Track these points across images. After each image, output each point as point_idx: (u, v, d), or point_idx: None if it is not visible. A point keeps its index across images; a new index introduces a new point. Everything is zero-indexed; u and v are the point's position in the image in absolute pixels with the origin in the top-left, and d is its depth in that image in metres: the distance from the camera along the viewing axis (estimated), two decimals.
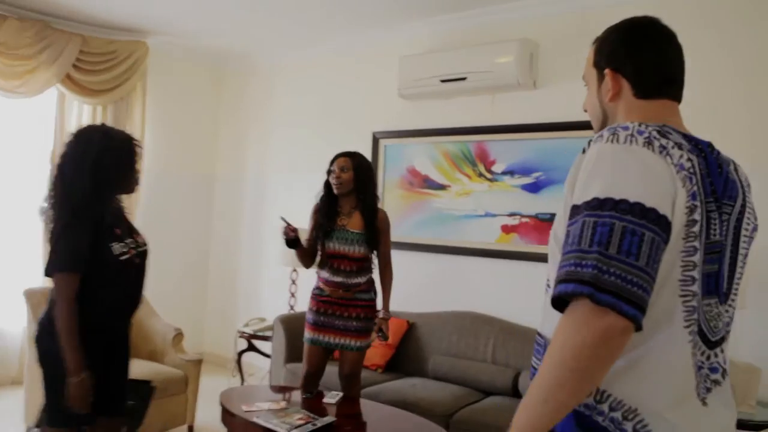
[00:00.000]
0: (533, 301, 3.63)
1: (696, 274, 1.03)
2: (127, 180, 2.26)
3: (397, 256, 4.21)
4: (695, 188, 1.02)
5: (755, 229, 1.19)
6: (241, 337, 4.39)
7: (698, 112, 3.28)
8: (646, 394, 1.01)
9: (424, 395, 3.30)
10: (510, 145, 3.83)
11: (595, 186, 0.99)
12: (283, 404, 2.90)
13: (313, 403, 2.97)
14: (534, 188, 3.71)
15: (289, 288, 4.57)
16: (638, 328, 0.94)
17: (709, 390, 1.07)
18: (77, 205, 2.08)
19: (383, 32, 4.41)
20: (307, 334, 3.22)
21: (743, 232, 1.14)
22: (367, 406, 3.05)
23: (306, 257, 3.28)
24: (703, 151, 1.09)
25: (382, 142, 4.42)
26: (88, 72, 4.59)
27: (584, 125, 3.57)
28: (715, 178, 1.08)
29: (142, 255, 2.31)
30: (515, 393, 3.32)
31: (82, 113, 4.71)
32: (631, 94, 1.19)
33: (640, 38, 1.21)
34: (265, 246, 5.14)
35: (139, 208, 4.87)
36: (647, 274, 0.94)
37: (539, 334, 1.16)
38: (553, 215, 1.08)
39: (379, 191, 4.39)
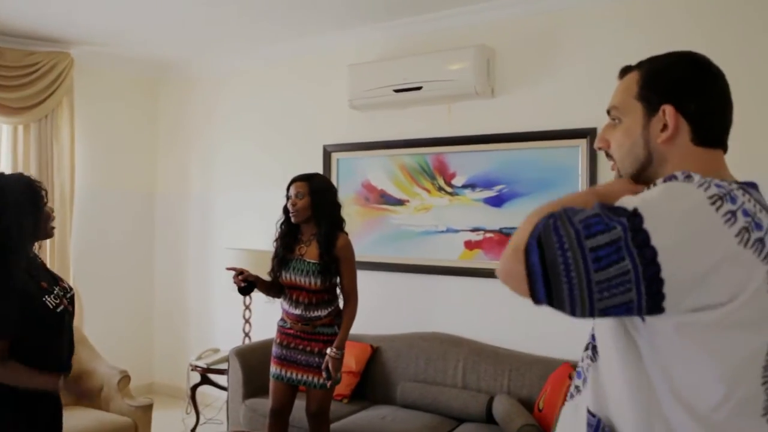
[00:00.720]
0: (501, 320, 3.57)
1: None
2: (36, 231, 2.10)
3: None
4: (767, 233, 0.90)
5: None
6: (193, 370, 4.10)
7: None
8: None
9: (396, 429, 3.12)
10: (470, 156, 3.66)
11: (637, 199, 0.91)
12: None
13: None
14: (497, 201, 3.56)
15: (243, 314, 4.30)
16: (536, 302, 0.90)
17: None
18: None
19: (331, 39, 4.16)
20: (272, 368, 3.03)
21: None
22: None
23: (271, 291, 3.06)
24: (759, 201, 0.96)
25: (334, 156, 4.18)
26: (5, 88, 4.16)
27: (546, 135, 3.48)
28: None
29: (71, 300, 2.20)
30: (489, 419, 3.17)
31: (1, 134, 4.27)
32: (688, 139, 1.03)
33: (709, 77, 1.04)
34: (214, 270, 4.81)
35: (74, 234, 4.49)
36: (589, 289, 0.86)
37: (590, 412, 1.03)
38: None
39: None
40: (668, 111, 1.03)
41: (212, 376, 4.19)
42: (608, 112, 1.13)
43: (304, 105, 4.38)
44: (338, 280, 2.97)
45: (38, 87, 4.29)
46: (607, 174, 3.28)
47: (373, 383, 3.69)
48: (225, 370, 3.84)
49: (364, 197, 4.06)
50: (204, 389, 4.31)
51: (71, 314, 2.18)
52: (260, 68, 4.62)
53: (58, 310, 2.09)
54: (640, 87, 1.08)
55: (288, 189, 2.97)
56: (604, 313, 0.89)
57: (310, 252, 2.94)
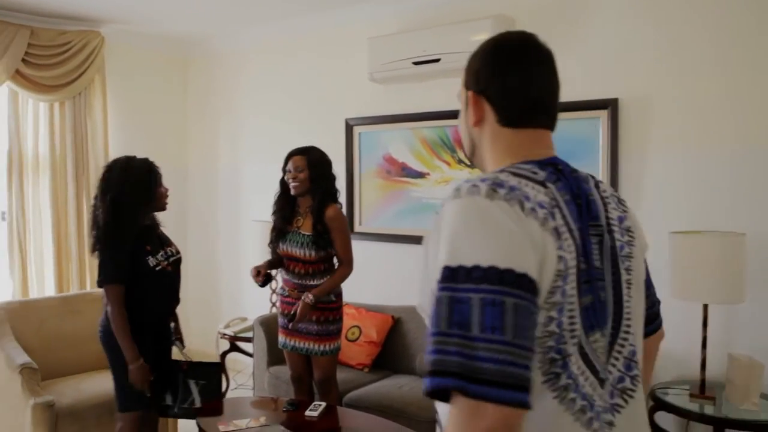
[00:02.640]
0: None
1: (564, 316, 0.91)
2: (149, 203, 2.70)
3: (376, 248, 4.10)
4: (558, 222, 0.93)
5: (628, 245, 1.06)
6: (222, 338, 4.26)
7: (682, 105, 3.15)
8: None
9: (411, 399, 3.19)
10: None
11: (443, 252, 0.87)
12: (262, 420, 2.78)
13: (294, 416, 2.86)
14: None
15: (270, 285, 4.40)
16: (528, 408, 0.82)
17: None
18: (108, 232, 2.56)
19: (350, 12, 4.15)
20: (279, 337, 3.16)
21: (618, 253, 1.03)
22: (348, 417, 2.94)
23: (279, 264, 3.17)
24: (564, 173, 1.01)
25: (356, 130, 4.21)
26: (39, 67, 4.31)
27: (566, 107, 3.40)
28: (580, 201, 1.00)
29: (174, 263, 2.80)
30: None
31: (39, 112, 4.44)
32: (495, 120, 1.06)
33: (504, 59, 1.06)
34: (243, 241, 4.95)
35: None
36: (520, 347, 0.82)
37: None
38: None
39: (356, 181, 4.22)
40: (469, 97, 1.07)
41: (241, 344, 4.33)
42: None
43: (326, 79, 4.40)
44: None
45: (71, 65, 4.43)
46: (631, 146, 3.23)
47: (394, 353, 3.76)
48: (251, 338, 3.97)
49: (385, 170, 4.09)
50: (234, 356, 4.47)
51: (170, 274, 2.75)
52: (282, 43, 4.65)
53: (157, 269, 2.67)
54: (463, 75, 1.11)
55: (286, 163, 3.03)
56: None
57: (305, 224, 3.00)
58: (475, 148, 1.11)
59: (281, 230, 3.05)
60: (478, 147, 1.10)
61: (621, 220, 1.06)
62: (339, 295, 3.08)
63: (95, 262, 4.48)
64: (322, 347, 3.02)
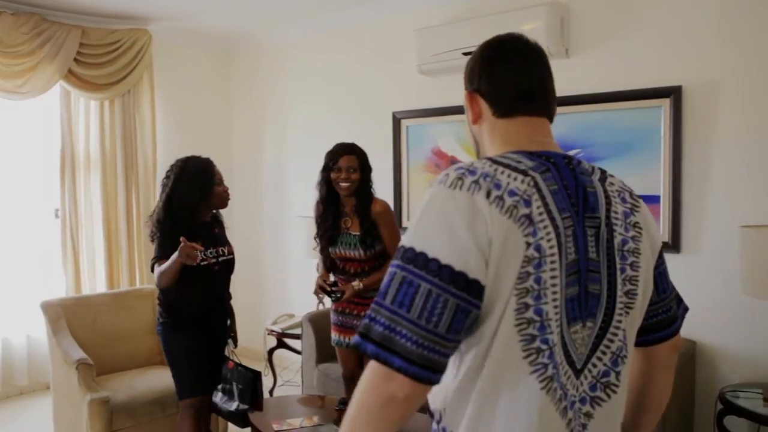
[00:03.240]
0: None
1: (545, 303, 0.94)
2: (204, 202, 2.75)
3: None
4: (534, 210, 0.95)
5: (633, 240, 1.05)
6: (270, 334, 4.25)
7: (750, 91, 2.98)
8: None
9: None
10: None
11: (409, 232, 0.96)
12: (315, 419, 2.74)
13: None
14: None
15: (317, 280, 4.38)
16: (429, 383, 0.90)
17: (585, 426, 1.00)
18: (163, 226, 2.67)
19: (396, 3, 4.07)
20: (333, 335, 3.11)
21: (616, 246, 1.03)
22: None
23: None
24: (557, 165, 1.02)
25: (404, 123, 4.13)
26: (90, 66, 4.37)
27: (626, 96, 3.29)
28: (571, 192, 1.01)
29: (224, 263, 2.87)
30: None
31: (90, 110, 4.50)
32: (491, 114, 1.11)
33: (491, 55, 1.13)
34: (288, 238, 4.94)
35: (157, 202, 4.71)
36: (447, 340, 0.90)
37: None
38: None
39: (404, 175, 4.15)
40: (466, 96, 1.14)
41: (288, 341, 4.31)
42: None
43: (372, 72, 4.34)
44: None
45: (121, 63, 4.48)
46: (695, 136, 3.08)
47: None
48: (299, 334, 3.95)
49: (434, 164, 4.01)
50: (281, 352, 4.46)
51: (217, 272, 2.82)
52: (327, 36, 4.61)
53: (202, 264, 2.67)
54: (463, 79, 1.17)
55: (334, 161, 2.87)
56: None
57: (354, 225, 2.91)
58: (479, 145, 1.16)
59: (332, 236, 2.96)
60: (481, 143, 1.15)
61: (627, 215, 1.05)
62: None
63: (146, 256, 4.60)
64: None
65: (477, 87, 1.12)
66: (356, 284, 2.88)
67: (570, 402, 0.98)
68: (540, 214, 0.95)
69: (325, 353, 3.70)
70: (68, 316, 3.43)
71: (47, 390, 4.31)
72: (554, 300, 0.94)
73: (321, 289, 2.96)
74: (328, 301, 3.14)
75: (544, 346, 0.94)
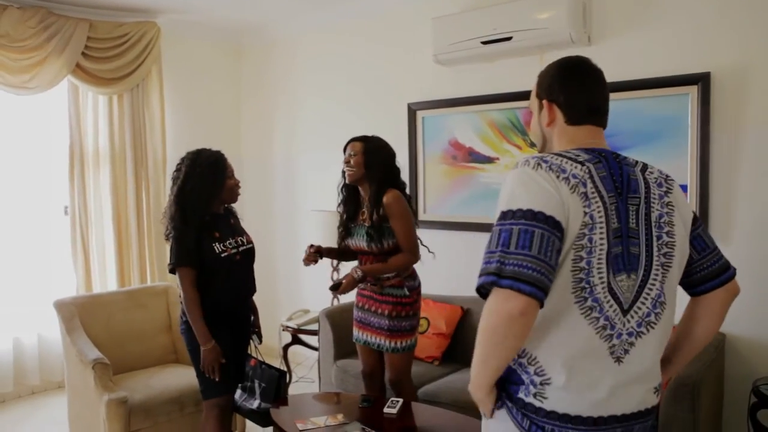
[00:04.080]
0: None
1: (593, 257, 1.28)
2: (216, 195, 2.70)
3: (442, 237, 3.93)
4: (588, 189, 1.31)
5: (668, 215, 1.38)
6: (285, 330, 4.18)
7: (723, 76, 2.91)
8: (542, 350, 1.32)
9: None
10: None
11: (501, 203, 1.31)
12: (340, 417, 2.68)
13: (371, 413, 2.75)
14: None
15: (331, 276, 4.32)
16: (541, 304, 1.22)
17: (627, 351, 1.33)
18: (178, 219, 2.62)
19: None
20: (354, 330, 3.05)
21: (653, 220, 1.37)
22: (427, 414, 2.80)
23: (344, 256, 3.09)
24: (607, 158, 1.38)
25: (420, 114, 4.06)
26: (99, 60, 4.29)
27: (647, 84, 3.21)
28: (617, 178, 1.36)
29: (245, 252, 2.82)
30: None
31: (98, 105, 4.43)
32: (563, 121, 1.44)
33: (570, 76, 1.45)
34: (301, 232, 4.87)
35: (167, 197, 4.61)
36: (540, 260, 1.21)
37: None
38: None
39: (420, 167, 4.08)
40: (545, 105, 1.46)
41: (303, 337, 4.25)
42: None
43: (386, 62, 4.26)
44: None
45: (129, 57, 4.40)
46: (724, 124, 3.00)
47: (464, 346, 3.61)
48: (315, 330, 3.88)
49: (451, 156, 3.93)
50: (295, 348, 4.40)
51: (239, 263, 2.76)
52: (338, 27, 4.52)
53: (223, 255, 2.68)
54: (536, 89, 1.51)
55: (345, 150, 2.89)
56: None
57: (367, 216, 2.86)
58: (546, 142, 1.50)
59: (346, 226, 2.93)
60: (549, 141, 1.48)
61: (661, 196, 1.40)
62: (414, 290, 2.91)
63: (157, 253, 4.53)
64: (393, 344, 2.88)
65: (556, 99, 1.44)
66: (355, 273, 2.79)
67: (617, 332, 1.32)
68: (593, 192, 1.31)
69: (343, 349, 3.63)
70: (82, 315, 3.37)
71: (59, 389, 4.27)
72: (600, 255, 1.29)
73: (309, 258, 2.91)
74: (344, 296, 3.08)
75: (586, 286, 1.29)
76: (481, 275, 1.25)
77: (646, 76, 3.16)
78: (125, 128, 4.49)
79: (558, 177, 1.29)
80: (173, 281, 3.05)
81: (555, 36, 3.28)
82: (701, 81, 3.00)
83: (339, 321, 3.68)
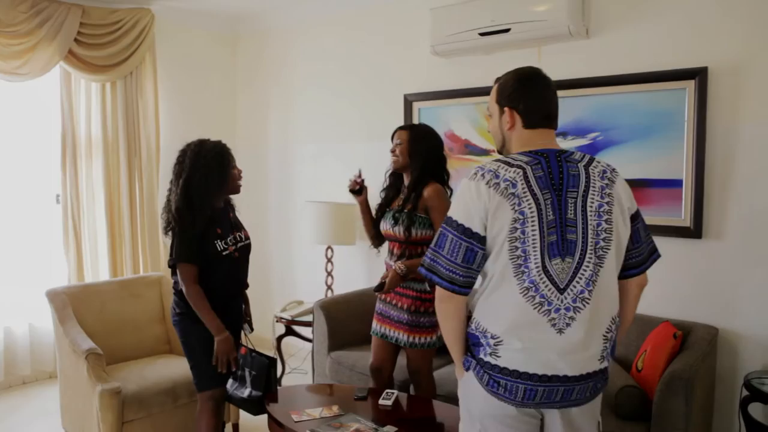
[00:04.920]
0: None
1: (527, 246, 1.58)
2: (222, 186, 2.65)
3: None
4: (519, 189, 1.58)
5: (607, 205, 1.63)
6: (278, 322, 4.17)
7: (720, 71, 2.91)
8: (491, 320, 1.64)
9: None
10: (561, 103, 3.31)
11: (450, 206, 1.69)
12: (335, 409, 2.67)
13: (366, 405, 2.74)
14: (591, 151, 3.33)
15: (325, 267, 4.31)
16: (458, 293, 1.64)
17: (568, 324, 1.59)
18: (181, 215, 2.54)
19: None
20: (373, 323, 2.99)
21: (594, 209, 1.61)
22: (422, 406, 2.80)
23: (368, 226, 3.04)
24: (549, 158, 1.62)
25: (416, 105, 4.04)
26: (91, 46, 4.23)
27: (648, 77, 3.20)
28: (555, 176, 1.61)
29: (243, 249, 2.79)
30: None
31: (91, 92, 4.38)
32: (521, 125, 1.69)
33: (529, 86, 1.70)
34: (295, 222, 4.85)
35: (161, 185, 4.59)
36: (458, 265, 1.60)
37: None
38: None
39: None
40: (507, 111, 1.71)
41: (296, 328, 4.25)
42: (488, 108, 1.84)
43: (383, 52, 4.24)
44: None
45: (122, 44, 4.35)
46: (721, 120, 3.00)
47: None
48: (309, 322, 3.87)
49: (448, 148, 3.89)
50: (288, 339, 4.39)
51: (237, 259, 2.73)
52: (335, 16, 4.49)
53: (224, 253, 2.65)
54: (496, 95, 1.76)
55: (392, 137, 2.90)
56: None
57: (401, 201, 2.86)
58: (505, 143, 1.74)
59: (383, 210, 2.93)
60: (508, 141, 1.73)
61: (603, 188, 1.63)
62: (431, 283, 2.89)
63: (150, 243, 4.49)
64: (411, 339, 2.83)
65: (515, 105, 1.69)
66: (397, 267, 2.73)
67: (555, 308, 1.58)
68: (524, 191, 1.58)
69: (337, 341, 3.63)
70: (74, 305, 3.34)
71: (50, 379, 4.24)
72: (533, 243, 1.57)
73: (355, 184, 2.96)
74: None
75: (525, 270, 1.58)
76: (421, 264, 1.69)
77: (643, 70, 3.16)
78: (118, 116, 4.44)
79: (488, 183, 1.58)
80: (167, 272, 3.00)
81: (553, 29, 3.27)
82: (698, 75, 3.00)
83: (334, 312, 3.67)
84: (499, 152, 1.78)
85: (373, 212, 3.02)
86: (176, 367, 3.27)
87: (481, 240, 1.58)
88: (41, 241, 4.33)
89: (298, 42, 4.77)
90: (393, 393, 2.80)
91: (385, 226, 2.89)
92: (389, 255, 2.91)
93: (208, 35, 5.03)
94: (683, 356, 2.66)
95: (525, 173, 1.57)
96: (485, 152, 3.75)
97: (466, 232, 1.57)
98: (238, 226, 2.83)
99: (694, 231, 3.08)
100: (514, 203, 1.55)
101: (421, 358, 2.89)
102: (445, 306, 1.66)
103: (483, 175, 1.59)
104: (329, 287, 4.32)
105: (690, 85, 3.04)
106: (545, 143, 1.67)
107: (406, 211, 2.78)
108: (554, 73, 3.47)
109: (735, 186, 2.99)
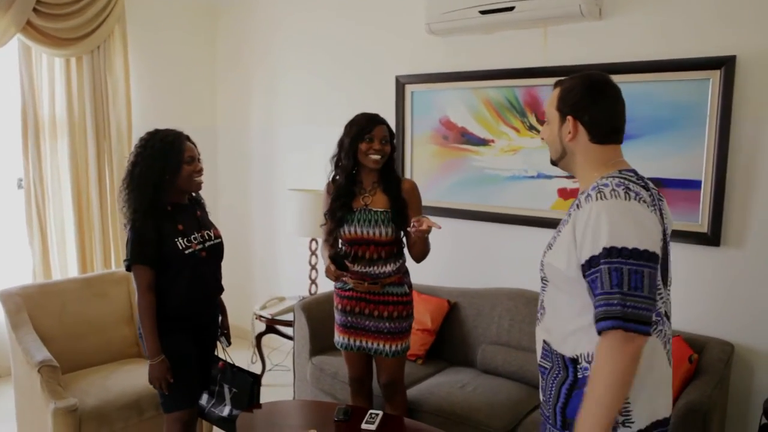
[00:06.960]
0: None
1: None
2: (166, 182, 2.33)
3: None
4: (657, 211, 1.46)
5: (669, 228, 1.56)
6: (259, 320, 3.90)
7: (750, 60, 2.62)
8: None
9: (478, 403, 2.79)
10: None
11: (602, 238, 1.36)
12: None
13: (347, 427, 2.49)
14: None
15: (309, 260, 4.02)
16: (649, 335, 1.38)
17: (668, 352, 1.51)
18: (134, 209, 2.30)
19: None
20: (337, 336, 2.75)
21: (667, 234, 1.53)
22: (409, 429, 2.56)
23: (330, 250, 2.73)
24: (643, 179, 1.51)
25: (408, 88, 3.70)
26: (53, 17, 3.85)
27: (664, 66, 2.85)
28: (656, 200, 1.50)
29: (212, 248, 2.50)
30: None
31: (54, 68, 4.01)
32: (587, 138, 1.52)
33: (598, 96, 1.51)
34: (278, 213, 4.54)
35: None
36: (649, 299, 1.34)
37: (546, 342, 1.61)
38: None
39: (407, 146, 3.76)
40: (570, 120, 1.52)
41: (278, 325, 3.98)
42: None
43: (374, 30, 3.88)
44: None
45: (88, 15, 3.96)
46: (748, 113, 2.70)
47: (451, 343, 3.37)
48: (291, 321, 3.61)
49: (442, 135, 3.60)
50: (270, 335, 4.13)
51: (204, 260, 2.44)
52: None
53: (187, 252, 2.38)
54: (557, 101, 1.55)
55: (370, 130, 2.54)
56: None
57: (376, 201, 2.59)
58: (566, 155, 1.57)
59: (347, 211, 2.59)
60: (571, 155, 1.56)
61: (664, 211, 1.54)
62: (410, 286, 2.69)
63: (121, 234, 4.18)
64: (393, 347, 2.63)
65: (580, 116, 1.51)
66: (428, 225, 2.34)
67: (666, 335, 1.51)
68: (657, 213, 1.46)
69: (319, 345, 3.36)
70: (31, 306, 3.06)
71: (9, 377, 3.96)
72: (664, 268, 1.48)
73: (333, 262, 2.49)
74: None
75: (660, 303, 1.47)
76: (606, 318, 1.32)
77: (662, 57, 2.83)
78: (85, 95, 4.08)
79: (647, 205, 1.40)
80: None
81: (563, 8, 2.93)
82: (725, 65, 2.68)
83: (316, 314, 3.40)
84: (554, 163, 1.63)
85: (323, 219, 2.71)
86: (143, 376, 2.94)
87: (658, 260, 1.39)
88: (2, 231, 4.01)
89: (283, 17, 4.39)
90: (377, 414, 2.55)
91: (360, 229, 2.57)
92: (354, 261, 2.59)
93: (185, 6, 4.64)
94: (699, 383, 2.41)
95: (652, 194, 1.48)
96: (484, 142, 3.44)
97: (645, 255, 1.34)
98: (206, 225, 2.55)
99: (712, 238, 2.80)
100: (662, 228, 1.46)
101: (399, 367, 2.70)
102: (637, 359, 1.33)
103: (636, 195, 1.40)
104: (313, 281, 4.03)
105: (715, 76, 2.72)
106: (622, 162, 1.53)
107: (384, 210, 2.57)
108: (562, 58, 3.20)
109: (760, 189, 2.70)
